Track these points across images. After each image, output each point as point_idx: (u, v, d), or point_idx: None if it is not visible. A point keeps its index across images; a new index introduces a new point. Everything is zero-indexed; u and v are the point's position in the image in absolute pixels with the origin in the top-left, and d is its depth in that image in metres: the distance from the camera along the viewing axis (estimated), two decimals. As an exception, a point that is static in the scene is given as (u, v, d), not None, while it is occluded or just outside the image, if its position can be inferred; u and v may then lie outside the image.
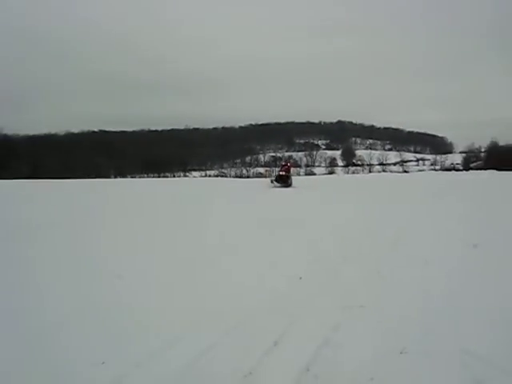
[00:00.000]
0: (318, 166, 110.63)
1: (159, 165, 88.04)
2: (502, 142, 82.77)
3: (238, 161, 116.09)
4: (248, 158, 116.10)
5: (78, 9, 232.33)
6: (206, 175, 79.61)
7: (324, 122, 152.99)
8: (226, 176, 73.54)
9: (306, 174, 72.86)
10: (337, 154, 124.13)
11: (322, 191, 19.15)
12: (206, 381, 3.51)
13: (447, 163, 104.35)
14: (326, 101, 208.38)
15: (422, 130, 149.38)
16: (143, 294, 5.51)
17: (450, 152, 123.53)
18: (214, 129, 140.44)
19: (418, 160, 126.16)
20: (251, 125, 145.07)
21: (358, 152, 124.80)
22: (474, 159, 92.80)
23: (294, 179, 23.54)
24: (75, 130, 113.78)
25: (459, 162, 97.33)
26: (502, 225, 9.73)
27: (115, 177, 68.24)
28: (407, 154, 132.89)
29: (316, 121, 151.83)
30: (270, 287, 5.70)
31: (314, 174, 72.46)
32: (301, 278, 6.02)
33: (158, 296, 5.45)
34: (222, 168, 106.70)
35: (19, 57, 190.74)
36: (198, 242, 8.46)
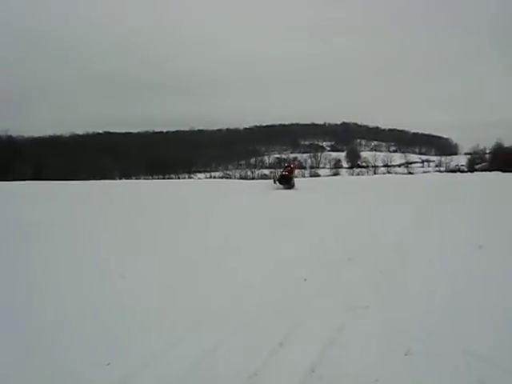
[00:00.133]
0: (323, 168, 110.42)
1: (164, 166, 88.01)
2: (507, 144, 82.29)
3: (243, 162, 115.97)
4: (253, 160, 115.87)
5: (79, 9, 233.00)
6: (210, 177, 79.52)
7: (329, 124, 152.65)
8: (230, 177, 73.55)
9: (311, 176, 72.68)
10: (341, 155, 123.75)
11: (325, 192, 19.11)
12: (211, 381, 3.52)
13: (452, 165, 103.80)
14: (331, 102, 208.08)
15: (426, 132, 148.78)
16: (146, 294, 5.53)
17: (455, 153, 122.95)
18: (219, 130, 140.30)
19: (422, 161, 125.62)
20: (256, 126, 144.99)
21: (363, 153, 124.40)
22: (479, 161, 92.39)
23: (298, 181, 23.39)
24: (80, 131, 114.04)
25: (464, 163, 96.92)
26: (507, 226, 9.68)
27: (120, 178, 68.28)
28: (412, 155, 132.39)
29: (321, 122, 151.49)
30: (275, 288, 5.71)
31: (319, 176, 72.25)
32: (305, 280, 6.03)
33: (160, 296, 5.46)
34: (227, 169, 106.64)
35: (20, 57, 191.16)
36: (201, 243, 8.46)
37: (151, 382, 3.47)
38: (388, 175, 55.62)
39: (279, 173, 22.86)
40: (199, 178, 67.75)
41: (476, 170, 59.57)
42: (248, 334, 4.33)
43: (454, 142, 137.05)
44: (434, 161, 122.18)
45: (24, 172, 56.33)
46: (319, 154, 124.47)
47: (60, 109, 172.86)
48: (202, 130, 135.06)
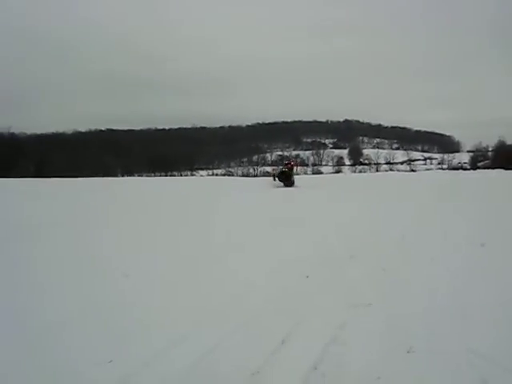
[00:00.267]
0: (325, 165, 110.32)
1: (166, 164, 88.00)
2: (509, 141, 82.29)
3: (245, 160, 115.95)
4: (255, 157, 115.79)
5: (79, 9, 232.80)
6: (212, 174, 79.53)
7: (331, 121, 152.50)
8: (232, 175, 73.49)
9: (314, 173, 72.65)
10: (344, 152, 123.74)
11: (327, 190, 19.09)
12: (213, 380, 3.52)
13: (455, 162, 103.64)
14: (333, 99, 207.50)
15: (429, 129, 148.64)
16: (148, 292, 5.53)
17: (458, 151, 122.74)
18: (221, 128, 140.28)
19: (425, 159, 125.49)
20: (258, 124, 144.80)
21: (365, 151, 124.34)
22: (482, 158, 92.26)
23: (299, 178, 23.27)
24: (82, 128, 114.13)
25: (467, 161, 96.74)
26: (509, 224, 9.67)
27: (122, 175, 68.35)
28: (414, 153, 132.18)
29: (323, 119, 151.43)
30: (277, 285, 5.72)
31: (321, 173, 72.20)
32: (308, 277, 6.03)
33: (162, 294, 5.47)
34: (229, 167, 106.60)
35: (21, 57, 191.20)
36: (202, 241, 8.47)
37: (153, 381, 3.47)
38: (390, 172, 55.74)
39: (280, 170, 22.59)
40: (201, 176, 67.86)
41: (478, 168, 59.42)
42: (250, 331, 4.33)
43: (457, 139, 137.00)
44: (436, 158, 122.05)
45: (27, 169, 56.40)
46: (321, 152, 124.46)
47: (62, 107, 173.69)
48: (204, 128, 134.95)
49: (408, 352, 3.82)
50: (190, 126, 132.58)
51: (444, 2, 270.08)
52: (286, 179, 20.79)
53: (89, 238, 8.76)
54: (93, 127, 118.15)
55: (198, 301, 5.17)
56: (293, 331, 4.28)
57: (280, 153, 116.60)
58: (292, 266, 6.60)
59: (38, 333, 4.30)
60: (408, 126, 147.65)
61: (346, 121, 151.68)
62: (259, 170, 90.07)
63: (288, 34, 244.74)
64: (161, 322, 4.53)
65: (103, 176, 39.28)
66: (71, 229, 9.73)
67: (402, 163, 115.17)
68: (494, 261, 6.71)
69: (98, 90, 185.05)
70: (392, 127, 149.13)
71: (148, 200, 15.92)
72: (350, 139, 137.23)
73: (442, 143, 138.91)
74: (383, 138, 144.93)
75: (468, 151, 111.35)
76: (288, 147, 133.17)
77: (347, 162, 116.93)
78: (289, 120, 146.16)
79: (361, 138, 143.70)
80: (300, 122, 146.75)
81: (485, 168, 52.45)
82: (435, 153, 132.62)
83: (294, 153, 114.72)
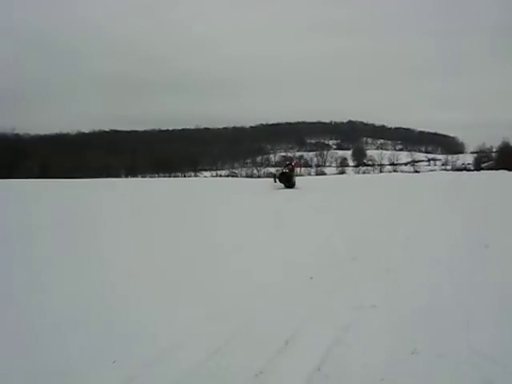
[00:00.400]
0: (329, 166, 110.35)
1: (170, 165, 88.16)
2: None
3: (249, 161, 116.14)
4: (259, 158, 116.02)
5: (80, 9, 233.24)
6: (216, 175, 79.67)
7: (335, 122, 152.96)
8: (236, 176, 73.59)
9: (317, 174, 72.68)
10: (348, 153, 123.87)
11: (331, 193, 19.03)
12: (217, 380, 3.52)
13: (458, 163, 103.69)
14: (337, 101, 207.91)
15: (433, 130, 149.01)
16: (150, 292, 5.53)
17: (461, 152, 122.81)
18: (225, 128, 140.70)
19: (429, 160, 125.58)
20: (262, 124, 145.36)
21: (369, 152, 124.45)
22: (486, 159, 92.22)
23: (301, 180, 23.07)
24: (86, 129, 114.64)
25: (470, 162, 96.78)
26: (513, 225, 9.64)
27: (126, 176, 68.54)
28: (418, 154, 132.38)
29: (327, 120, 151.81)
30: (280, 287, 5.71)
31: (325, 174, 72.19)
32: (311, 278, 6.03)
33: (166, 295, 5.45)
34: (233, 168, 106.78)
35: (22, 57, 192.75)
36: (205, 242, 8.44)
37: (157, 381, 3.47)
38: (394, 174, 55.59)
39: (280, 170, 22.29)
40: (205, 177, 67.83)
41: (482, 169, 59.33)
42: (254, 332, 4.32)
43: (461, 140, 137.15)
44: (440, 159, 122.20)
45: (30, 170, 56.53)
46: (325, 153, 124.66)
47: (66, 108, 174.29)
48: (207, 129, 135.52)
49: (412, 353, 3.82)
50: (193, 127, 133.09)
51: (452, 1, 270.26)
52: (287, 181, 20.40)
53: (92, 239, 8.74)
54: (96, 128, 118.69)
55: (202, 302, 5.16)
56: (296, 332, 4.27)
57: (284, 154, 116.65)
58: (296, 266, 6.59)
59: (40, 333, 4.30)
60: (412, 127, 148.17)
61: (350, 122, 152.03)
62: (263, 170, 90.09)
63: (289, 34, 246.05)
64: (164, 323, 4.53)
65: (107, 177, 39.33)
66: (75, 230, 9.71)
67: (405, 164, 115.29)
68: (499, 262, 6.68)
69: (100, 91, 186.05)
70: (396, 128, 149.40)
71: (150, 201, 15.91)
72: (354, 140, 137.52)
73: (446, 144, 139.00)
74: (387, 139, 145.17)
75: (472, 152, 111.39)
76: (292, 148, 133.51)
77: (351, 163, 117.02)
78: (292, 121, 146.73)
79: (364, 139, 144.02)
80: (304, 122, 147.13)
81: (489, 169, 52.32)
82: (439, 154, 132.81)
83: (298, 154, 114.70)
